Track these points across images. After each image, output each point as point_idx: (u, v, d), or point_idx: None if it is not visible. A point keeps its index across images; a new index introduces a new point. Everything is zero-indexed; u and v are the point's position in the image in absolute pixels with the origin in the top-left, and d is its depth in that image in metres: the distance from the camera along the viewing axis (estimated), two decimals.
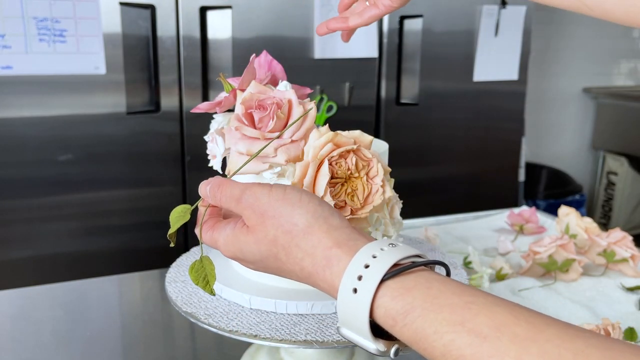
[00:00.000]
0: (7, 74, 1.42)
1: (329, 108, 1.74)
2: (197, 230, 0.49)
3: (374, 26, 1.76)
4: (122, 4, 1.49)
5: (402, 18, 1.82)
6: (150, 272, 1.03)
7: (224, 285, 0.61)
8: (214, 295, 0.50)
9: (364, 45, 1.76)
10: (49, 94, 1.48)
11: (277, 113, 0.54)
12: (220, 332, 0.55)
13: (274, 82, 0.63)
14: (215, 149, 0.60)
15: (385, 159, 0.62)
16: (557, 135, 3.14)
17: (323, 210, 0.43)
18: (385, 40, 1.82)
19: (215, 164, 0.61)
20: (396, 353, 0.39)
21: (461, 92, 1.96)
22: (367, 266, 0.38)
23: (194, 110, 0.61)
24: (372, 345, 0.38)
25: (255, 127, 0.55)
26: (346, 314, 0.39)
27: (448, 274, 0.41)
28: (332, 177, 0.53)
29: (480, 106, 2.00)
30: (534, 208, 1.14)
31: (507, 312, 0.34)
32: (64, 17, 1.43)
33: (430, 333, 0.35)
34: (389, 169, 0.56)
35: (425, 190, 1.95)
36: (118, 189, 1.59)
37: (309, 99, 0.60)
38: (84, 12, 1.45)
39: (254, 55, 0.62)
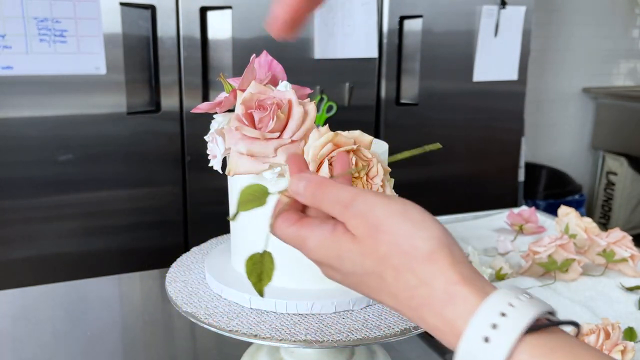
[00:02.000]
0: (8, 74, 1.42)
1: (329, 108, 1.74)
2: (271, 221, 0.43)
3: (373, 26, 1.76)
4: (122, 4, 1.49)
5: (402, 18, 1.82)
6: (150, 272, 1.03)
7: (224, 285, 0.61)
8: (262, 296, 0.45)
9: (364, 46, 1.76)
10: (50, 94, 1.48)
11: (277, 113, 0.54)
12: (220, 332, 0.55)
13: (274, 83, 0.63)
14: (215, 149, 0.60)
15: (385, 159, 0.62)
16: (556, 135, 3.14)
17: (447, 239, 0.38)
18: (385, 40, 1.82)
19: (215, 163, 0.61)
20: None
21: (461, 92, 1.96)
22: (503, 314, 0.33)
23: (194, 111, 0.62)
24: None
25: (255, 127, 0.55)
26: None
27: (577, 333, 0.37)
28: (331, 177, 0.53)
29: (480, 106, 2.01)
30: (533, 208, 1.14)
31: None
32: (65, 17, 1.43)
33: None
34: (389, 169, 0.56)
35: (425, 190, 1.95)
36: (118, 189, 1.59)
37: (309, 99, 0.60)
38: (84, 12, 1.45)
39: (254, 55, 0.63)
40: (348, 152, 0.53)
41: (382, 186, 0.54)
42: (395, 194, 0.59)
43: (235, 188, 0.63)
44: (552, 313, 0.35)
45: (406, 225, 0.38)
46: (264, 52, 0.64)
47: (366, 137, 0.55)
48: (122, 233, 1.61)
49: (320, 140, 0.53)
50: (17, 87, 1.44)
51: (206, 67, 1.62)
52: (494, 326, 0.33)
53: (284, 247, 0.59)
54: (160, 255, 1.59)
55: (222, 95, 0.61)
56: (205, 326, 0.56)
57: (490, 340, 0.33)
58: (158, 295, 0.98)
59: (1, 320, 0.88)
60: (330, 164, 0.52)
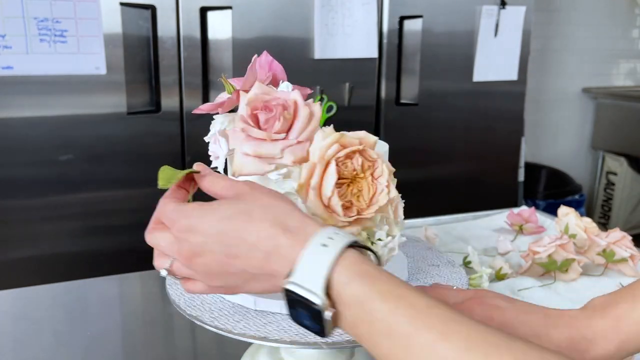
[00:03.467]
0: (8, 74, 1.42)
1: (329, 108, 1.74)
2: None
3: (373, 26, 1.76)
4: (122, 4, 1.49)
5: (402, 18, 1.83)
6: (150, 272, 1.03)
7: None
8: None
9: (364, 46, 1.77)
10: (50, 94, 1.48)
11: (284, 114, 0.54)
12: (220, 332, 0.55)
13: (274, 83, 0.63)
14: (218, 150, 0.60)
15: (386, 159, 0.62)
16: (556, 136, 3.14)
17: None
18: (385, 40, 1.82)
19: (218, 164, 0.61)
20: (331, 317, 0.41)
21: (461, 92, 1.96)
22: (331, 238, 0.43)
23: (196, 111, 0.62)
24: (320, 299, 0.41)
25: (260, 128, 0.55)
26: (306, 267, 0.42)
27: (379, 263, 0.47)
28: (338, 178, 0.53)
29: (479, 106, 2.01)
30: (533, 208, 1.15)
31: (432, 299, 0.41)
32: (65, 17, 1.44)
33: (373, 295, 0.40)
34: (393, 169, 0.56)
35: (425, 190, 1.95)
36: (118, 189, 1.59)
37: (312, 99, 0.60)
38: (84, 12, 1.45)
39: (255, 55, 0.63)
40: (354, 152, 0.53)
41: (387, 186, 0.54)
42: (398, 193, 0.59)
43: None
44: (359, 245, 0.45)
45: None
46: (264, 52, 0.64)
47: (371, 138, 0.55)
48: (122, 233, 1.61)
49: (326, 140, 0.53)
50: (17, 87, 1.44)
51: (206, 67, 1.62)
52: (330, 238, 0.43)
53: None
54: None
55: (224, 96, 0.61)
56: (206, 326, 0.56)
57: (328, 245, 0.42)
58: (158, 295, 0.98)
59: (1, 320, 0.88)
60: (337, 165, 0.53)
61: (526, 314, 0.52)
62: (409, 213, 1.18)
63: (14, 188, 1.49)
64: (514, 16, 1.96)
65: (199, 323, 0.57)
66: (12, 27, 1.40)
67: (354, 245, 0.43)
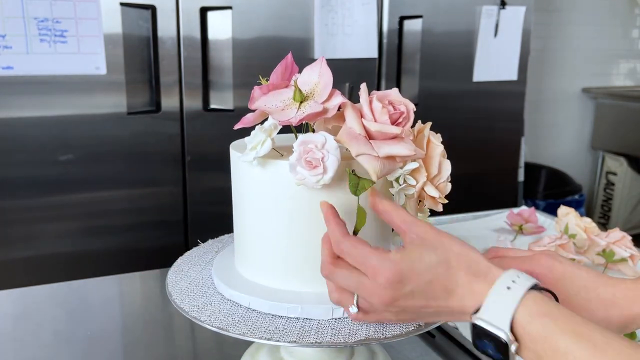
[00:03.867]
0: (8, 74, 1.42)
1: None
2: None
3: (373, 26, 1.76)
4: (122, 4, 1.49)
5: (402, 18, 1.83)
6: (151, 272, 1.03)
7: (226, 286, 0.61)
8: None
9: (364, 46, 1.77)
10: (50, 94, 1.48)
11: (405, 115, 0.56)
12: (222, 332, 0.55)
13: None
14: (320, 165, 0.54)
15: None
16: (556, 136, 3.14)
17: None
18: (385, 40, 1.82)
19: (326, 180, 0.54)
20: (516, 350, 0.47)
21: (461, 92, 1.96)
22: (514, 281, 0.49)
23: (238, 126, 0.59)
24: (506, 335, 0.47)
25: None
26: (492, 306, 0.48)
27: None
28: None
29: (479, 106, 2.01)
30: (533, 208, 1.15)
31: (609, 334, 0.45)
32: (65, 17, 1.44)
33: (556, 332, 0.46)
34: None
35: None
36: (118, 189, 1.59)
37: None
38: (84, 12, 1.45)
39: (290, 52, 0.62)
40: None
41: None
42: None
43: (240, 191, 0.63)
44: (540, 287, 0.50)
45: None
46: (290, 53, 0.62)
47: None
48: (122, 233, 1.61)
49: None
50: (17, 87, 1.44)
51: (206, 67, 1.62)
52: (513, 281, 0.49)
53: (290, 249, 0.59)
54: (160, 255, 1.59)
55: (283, 101, 0.58)
56: (206, 325, 0.56)
57: (511, 288, 0.48)
58: (158, 295, 0.98)
59: (1, 320, 0.88)
60: None
61: (580, 269, 0.59)
62: None
63: (14, 188, 1.49)
64: (514, 16, 1.96)
65: (199, 323, 0.57)
66: (12, 27, 1.40)
67: (538, 288, 0.49)
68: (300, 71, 0.60)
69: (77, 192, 1.55)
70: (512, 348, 0.47)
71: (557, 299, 0.51)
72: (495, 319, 0.48)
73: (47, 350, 0.80)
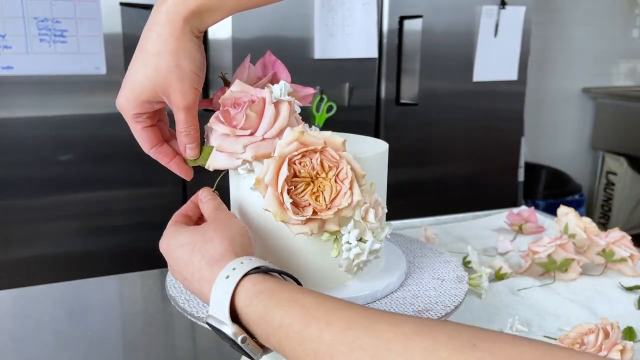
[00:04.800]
0: (8, 74, 1.42)
1: (329, 108, 1.74)
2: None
3: (373, 26, 1.76)
4: (122, 4, 1.49)
5: (402, 18, 1.83)
6: (151, 272, 1.03)
7: None
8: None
9: (364, 46, 1.77)
10: (50, 94, 1.48)
11: (247, 111, 0.54)
12: None
13: (275, 82, 0.63)
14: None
15: (385, 159, 0.62)
16: (556, 136, 3.14)
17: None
18: (385, 40, 1.82)
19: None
20: (243, 340, 0.45)
21: (461, 92, 1.97)
22: (234, 268, 0.47)
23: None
24: (230, 328, 0.45)
25: (230, 125, 0.56)
26: (215, 300, 0.46)
27: (298, 283, 0.50)
28: (294, 176, 0.52)
29: (479, 106, 2.01)
30: (533, 208, 1.15)
31: (324, 297, 0.44)
32: (65, 17, 1.44)
33: (271, 306, 0.44)
34: (363, 173, 0.54)
35: (424, 190, 1.95)
36: (118, 189, 1.59)
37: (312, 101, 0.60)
38: (84, 12, 1.45)
39: (249, 54, 0.63)
40: (313, 151, 0.53)
41: (350, 189, 0.53)
42: (378, 199, 0.58)
43: (237, 192, 0.63)
44: (269, 267, 0.49)
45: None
46: (268, 52, 0.64)
47: (337, 139, 0.53)
48: (122, 233, 1.61)
49: (286, 138, 0.53)
50: (17, 87, 1.44)
51: (206, 67, 1.62)
52: (233, 269, 0.47)
53: (293, 249, 0.59)
54: (160, 255, 1.59)
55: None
56: (206, 325, 0.56)
57: (230, 276, 0.47)
58: (158, 295, 0.98)
59: (1, 320, 0.88)
60: (293, 163, 0.52)
61: None
62: (409, 213, 1.18)
63: (14, 188, 1.49)
64: (514, 16, 1.96)
65: (199, 323, 0.57)
66: (12, 27, 1.40)
67: (262, 271, 0.47)
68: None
69: (77, 192, 1.55)
70: (239, 340, 0.45)
71: (299, 283, 0.50)
72: (218, 313, 0.46)
73: (47, 350, 0.80)
